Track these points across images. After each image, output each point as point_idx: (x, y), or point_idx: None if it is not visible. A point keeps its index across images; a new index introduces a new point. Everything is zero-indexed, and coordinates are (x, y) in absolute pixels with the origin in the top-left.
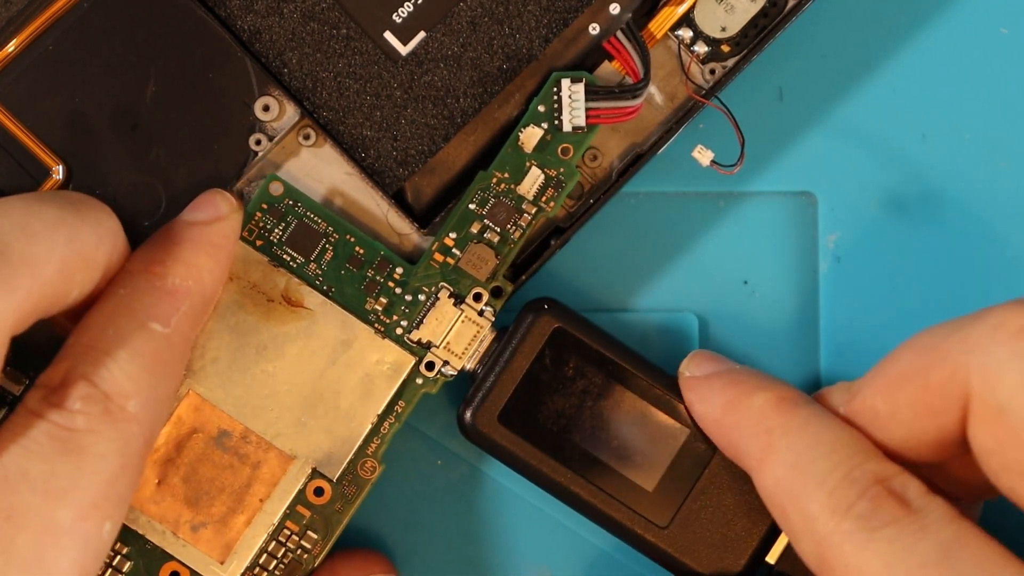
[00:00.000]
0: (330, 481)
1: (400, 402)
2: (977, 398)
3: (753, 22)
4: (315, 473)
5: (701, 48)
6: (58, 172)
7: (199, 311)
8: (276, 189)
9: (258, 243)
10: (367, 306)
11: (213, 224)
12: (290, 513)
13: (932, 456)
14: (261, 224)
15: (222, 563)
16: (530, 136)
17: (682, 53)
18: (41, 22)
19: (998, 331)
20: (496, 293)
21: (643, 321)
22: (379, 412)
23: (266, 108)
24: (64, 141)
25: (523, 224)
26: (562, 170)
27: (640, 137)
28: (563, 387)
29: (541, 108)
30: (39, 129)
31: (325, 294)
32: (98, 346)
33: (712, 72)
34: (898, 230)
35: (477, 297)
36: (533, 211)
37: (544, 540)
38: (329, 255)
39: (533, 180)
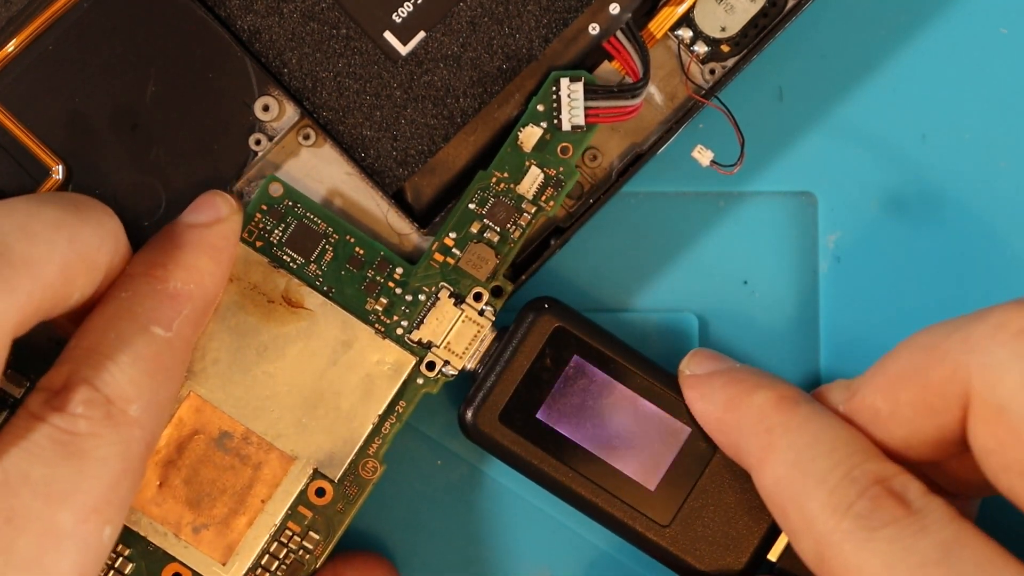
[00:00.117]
0: (331, 482)
1: (401, 402)
2: (977, 398)
3: (753, 22)
4: (316, 474)
5: (701, 48)
6: (58, 172)
7: (200, 314)
8: (276, 190)
9: (258, 244)
10: (367, 306)
11: (213, 226)
12: (292, 514)
13: (932, 455)
14: (261, 225)
15: (224, 564)
16: (529, 135)
17: (682, 53)
18: (41, 22)
19: (999, 331)
20: (496, 293)
21: (643, 321)
22: (380, 412)
23: (266, 108)
24: (64, 141)
25: (523, 223)
26: (561, 169)
27: (640, 137)
28: (564, 386)
29: (540, 107)
30: (39, 129)
31: (325, 295)
32: (100, 350)
33: (712, 72)
34: (898, 230)
35: (477, 297)
36: (533, 210)
37: (544, 540)
38: (329, 256)
39: (532, 179)
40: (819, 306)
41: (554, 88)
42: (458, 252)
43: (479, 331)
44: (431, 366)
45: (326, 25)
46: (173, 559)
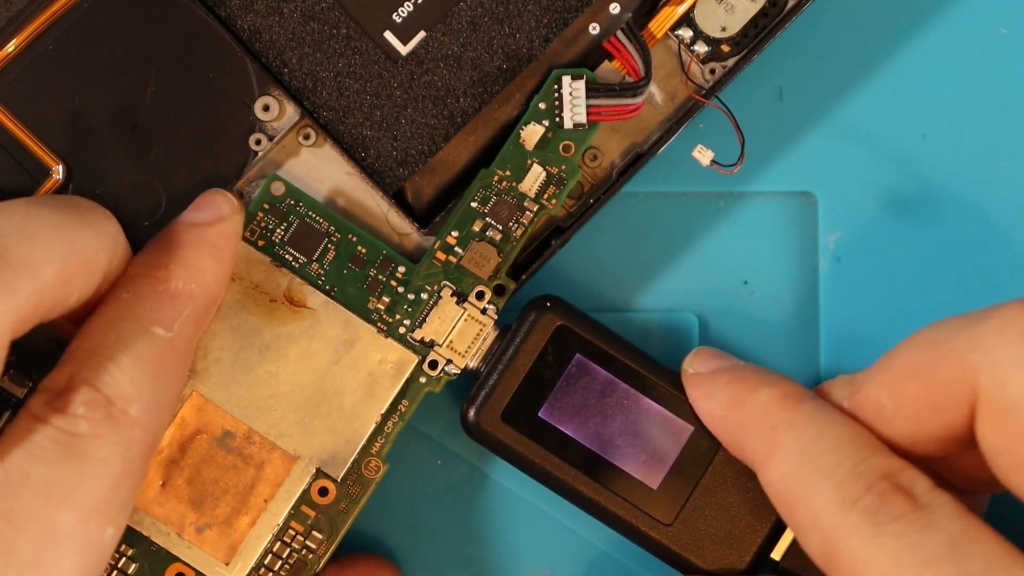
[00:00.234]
0: (334, 481)
1: (404, 401)
2: (985, 397)
3: (753, 22)
4: (319, 473)
5: (701, 48)
6: (58, 172)
7: (202, 314)
8: (278, 189)
9: (260, 243)
10: (370, 305)
11: (215, 225)
12: (295, 513)
13: (938, 451)
14: (263, 224)
15: (227, 564)
16: (531, 134)
17: (682, 53)
18: (41, 22)
19: (1006, 330)
20: (499, 291)
21: (643, 321)
22: (383, 411)
23: (266, 108)
24: (64, 141)
25: (525, 222)
26: (563, 167)
27: (640, 137)
28: (566, 384)
29: (542, 105)
30: (39, 129)
31: (328, 294)
32: (101, 351)
33: (712, 72)
34: (898, 230)
35: (480, 295)
36: (535, 209)
37: (545, 540)
38: (331, 255)
39: (535, 178)
40: (819, 306)
41: (556, 86)
42: (460, 251)
43: (481, 330)
44: (433, 365)
45: (326, 25)
46: (176, 559)
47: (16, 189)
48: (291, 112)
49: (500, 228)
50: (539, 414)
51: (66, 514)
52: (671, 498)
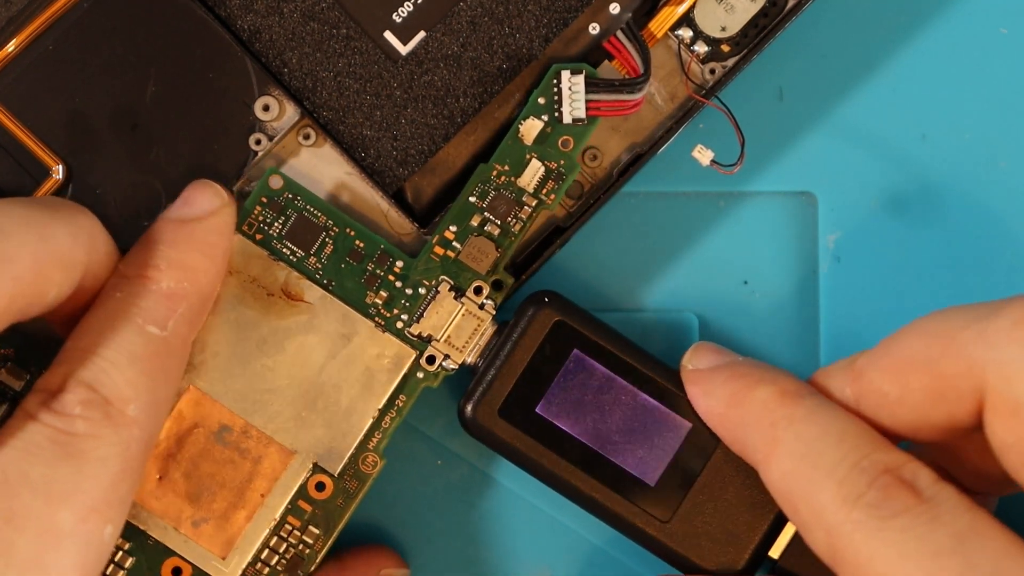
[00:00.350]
0: (331, 476)
1: (401, 396)
2: (994, 394)
3: (753, 22)
4: (316, 468)
5: (701, 48)
6: (58, 172)
7: (196, 312)
8: (276, 183)
9: (258, 237)
10: (367, 300)
11: (206, 220)
12: (292, 508)
13: (941, 438)
14: (261, 218)
15: (224, 559)
16: (530, 128)
17: (682, 53)
18: (41, 22)
19: (1016, 328)
20: (497, 286)
21: (643, 321)
22: (380, 406)
23: (266, 108)
24: (64, 141)
25: (523, 217)
26: (562, 162)
27: (640, 137)
28: (564, 380)
29: (541, 100)
30: (39, 129)
31: (325, 288)
32: (96, 351)
33: (712, 72)
34: (898, 230)
35: (478, 290)
36: (534, 204)
37: (545, 540)
38: (329, 249)
39: (533, 173)
40: (819, 306)
41: (555, 81)
42: (458, 245)
43: (479, 325)
44: (431, 360)
45: (326, 25)
46: (173, 553)
47: (16, 189)
48: (291, 112)
49: (498, 223)
50: (536, 410)
51: (65, 513)
52: (668, 495)
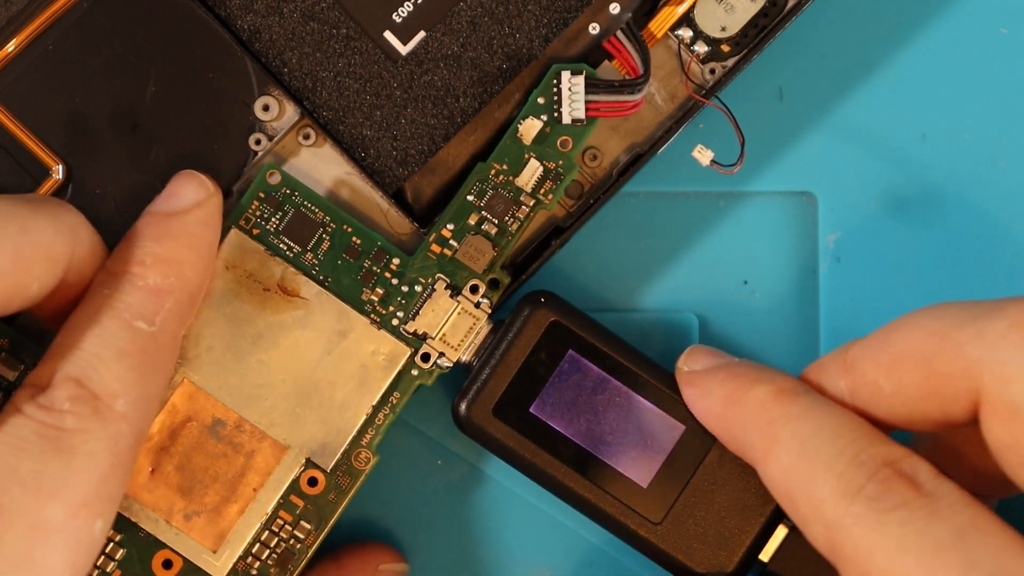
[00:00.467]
0: (324, 471)
1: (395, 393)
2: (991, 395)
3: (753, 22)
4: (309, 463)
5: (701, 48)
6: (58, 172)
7: (185, 306)
8: (273, 178)
9: (255, 232)
10: (363, 296)
11: (190, 213)
12: (283, 503)
13: (935, 431)
14: (258, 213)
15: (215, 552)
16: (529, 128)
17: (682, 53)
18: (41, 22)
19: (1013, 330)
20: (493, 285)
21: (643, 321)
22: (374, 403)
23: (266, 108)
24: (64, 141)
25: (521, 216)
26: (561, 163)
27: (640, 137)
28: (558, 380)
29: (540, 100)
30: (39, 129)
31: (321, 284)
32: (84, 346)
33: (712, 72)
34: (898, 230)
35: (474, 289)
36: (531, 203)
37: (544, 540)
38: (326, 245)
39: (532, 172)
40: (819, 306)
41: (555, 81)
42: (455, 244)
43: (475, 323)
44: (426, 358)
45: (326, 25)
46: (164, 546)
47: (16, 189)
48: (291, 112)
49: (496, 222)
50: (531, 410)
51: (55, 508)
52: (661, 497)
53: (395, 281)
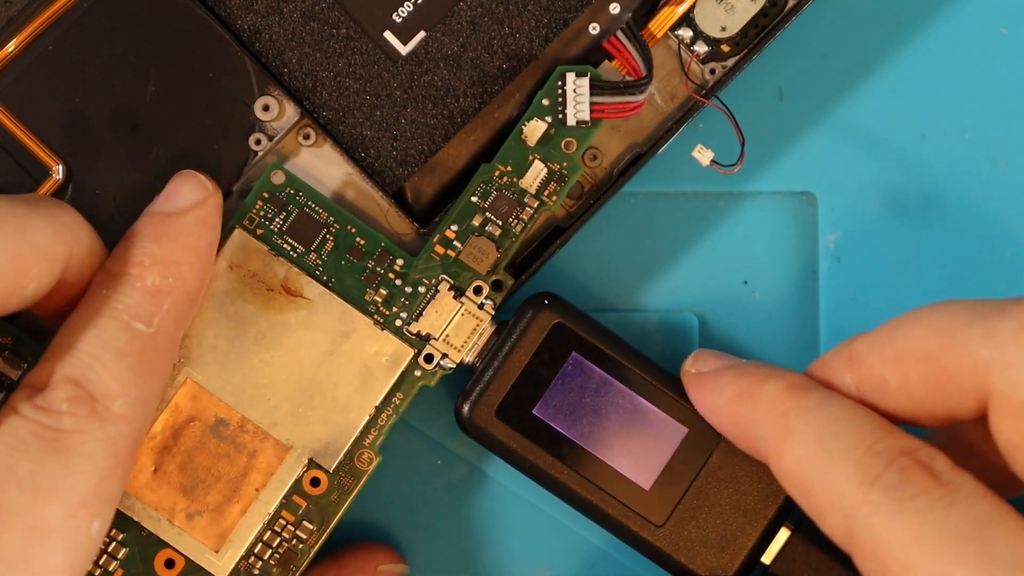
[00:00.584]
0: (326, 472)
1: (398, 394)
2: (1001, 395)
3: (753, 22)
4: (311, 463)
5: (701, 48)
6: (58, 172)
7: (183, 307)
8: (278, 178)
9: (258, 232)
10: (367, 297)
11: (190, 212)
12: (286, 503)
13: (940, 426)
14: (262, 213)
15: (217, 552)
16: (534, 130)
17: (682, 53)
18: (41, 22)
19: (1022, 332)
20: (497, 286)
21: (643, 321)
22: (377, 404)
23: (266, 108)
24: (64, 141)
25: (525, 218)
26: (565, 164)
27: (640, 137)
28: (561, 382)
29: (545, 102)
30: (39, 129)
31: (325, 284)
32: (82, 347)
33: (712, 72)
34: (898, 230)
35: (477, 290)
36: (535, 205)
37: (544, 540)
38: (330, 245)
39: (536, 174)
40: (819, 306)
41: (560, 83)
42: (459, 245)
43: (478, 325)
44: (429, 359)
45: (326, 25)
46: (166, 545)
47: (16, 189)
48: (291, 112)
49: (499, 224)
50: (534, 411)
51: (52, 508)
52: (663, 499)
53: (399, 282)
